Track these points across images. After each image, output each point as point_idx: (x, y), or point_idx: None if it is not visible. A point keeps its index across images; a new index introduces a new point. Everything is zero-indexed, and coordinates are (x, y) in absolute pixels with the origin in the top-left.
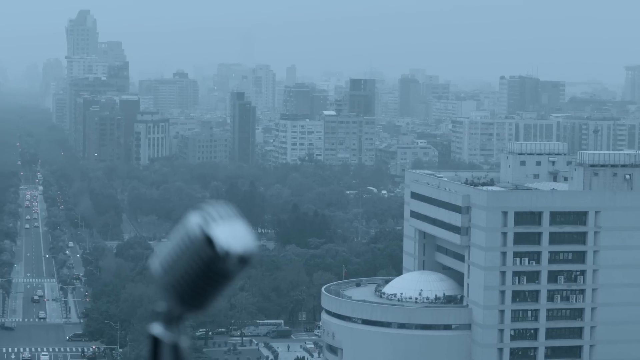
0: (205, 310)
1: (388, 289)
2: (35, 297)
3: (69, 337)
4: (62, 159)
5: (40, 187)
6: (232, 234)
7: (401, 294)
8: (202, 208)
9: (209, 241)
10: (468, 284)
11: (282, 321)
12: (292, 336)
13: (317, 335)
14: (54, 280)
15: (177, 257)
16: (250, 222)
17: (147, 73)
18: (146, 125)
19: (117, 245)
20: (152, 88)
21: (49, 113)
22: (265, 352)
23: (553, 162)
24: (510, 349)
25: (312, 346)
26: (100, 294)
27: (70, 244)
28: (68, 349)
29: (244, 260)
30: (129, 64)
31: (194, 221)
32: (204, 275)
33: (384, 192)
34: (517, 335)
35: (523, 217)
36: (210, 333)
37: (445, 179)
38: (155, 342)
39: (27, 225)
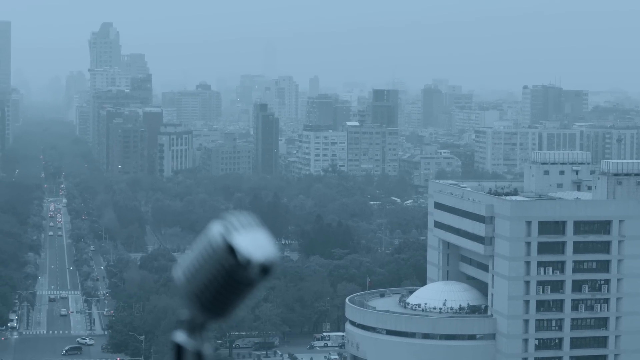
0: (227, 319)
1: (412, 299)
2: (52, 296)
3: (65, 350)
4: (85, 171)
5: (64, 200)
6: (254, 242)
7: (425, 304)
8: (225, 217)
9: (231, 250)
10: (492, 294)
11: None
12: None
13: (315, 346)
14: (78, 292)
15: (200, 265)
16: (274, 233)
17: (170, 85)
18: (169, 137)
19: (141, 257)
20: (175, 100)
21: (73, 126)
22: None
23: (576, 172)
24: (535, 358)
25: (337, 357)
26: (124, 306)
27: (92, 247)
28: None
29: (265, 268)
30: (151, 76)
31: (216, 230)
32: (226, 284)
33: (409, 202)
34: (542, 344)
35: (547, 227)
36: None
37: (469, 189)
38: (179, 349)
39: (50, 233)
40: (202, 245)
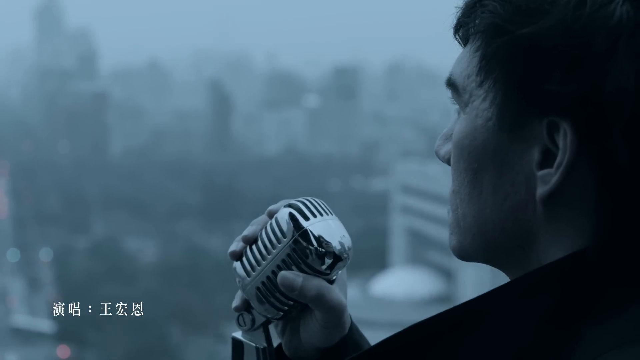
0: (293, 314)
1: (374, 286)
2: None
3: None
4: (28, 151)
5: (6, 181)
6: (328, 229)
7: (388, 291)
8: (294, 202)
9: (303, 236)
10: (458, 282)
11: None
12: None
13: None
14: (21, 280)
15: (265, 254)
16: (228, 216)
17: (118, 61)
18: (117, 116)
19: (87, 242)
20: (124, 76)
21: (15, 104)
22: None
23: None
24: None
25: None
26: (69, 294)
27: (35, 231)
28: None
29: (340, 257)
30: (99, 51)
31: (284, 215)
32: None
33: (372, 183)
34: None
35: None
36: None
37: (435, 170)
38: (238, 347)
39: None
40: (267, 232)
